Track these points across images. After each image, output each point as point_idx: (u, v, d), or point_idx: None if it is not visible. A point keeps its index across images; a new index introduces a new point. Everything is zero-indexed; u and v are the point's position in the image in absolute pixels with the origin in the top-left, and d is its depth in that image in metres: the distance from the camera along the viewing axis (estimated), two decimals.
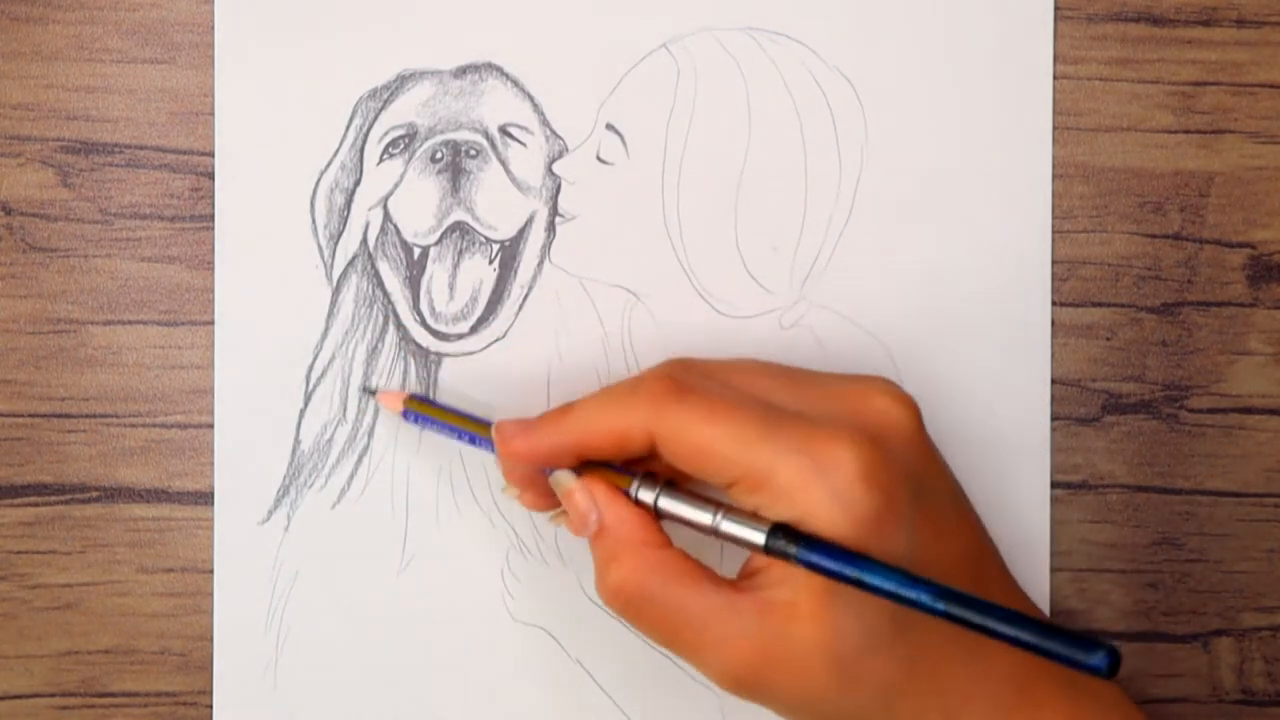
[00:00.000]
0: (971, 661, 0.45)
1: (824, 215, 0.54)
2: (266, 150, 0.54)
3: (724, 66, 0.54)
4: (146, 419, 0.54)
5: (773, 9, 0.54)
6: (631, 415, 0.46)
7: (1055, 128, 0.55)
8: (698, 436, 0.45)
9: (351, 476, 0.54)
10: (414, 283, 0.54)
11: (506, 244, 0.54)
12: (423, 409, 0.52)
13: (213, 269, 0.54)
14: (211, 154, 0.54)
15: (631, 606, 0.46)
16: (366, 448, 0.54)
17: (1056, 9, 0.55)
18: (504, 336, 0.54)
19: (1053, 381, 0.55)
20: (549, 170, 0.54)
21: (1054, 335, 0.55)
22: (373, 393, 0.54)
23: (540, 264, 0.54)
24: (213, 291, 0.54)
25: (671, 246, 0.54)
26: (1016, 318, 0.55)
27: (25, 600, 0.54)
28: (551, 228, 0.54)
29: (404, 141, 0.54)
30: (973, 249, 0.55)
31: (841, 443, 0.44)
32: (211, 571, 0.54)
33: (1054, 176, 0.55)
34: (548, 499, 0.49)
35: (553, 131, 0.54)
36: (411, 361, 0.54)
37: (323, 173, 0.54)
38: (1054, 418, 0.55)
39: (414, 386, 0.54)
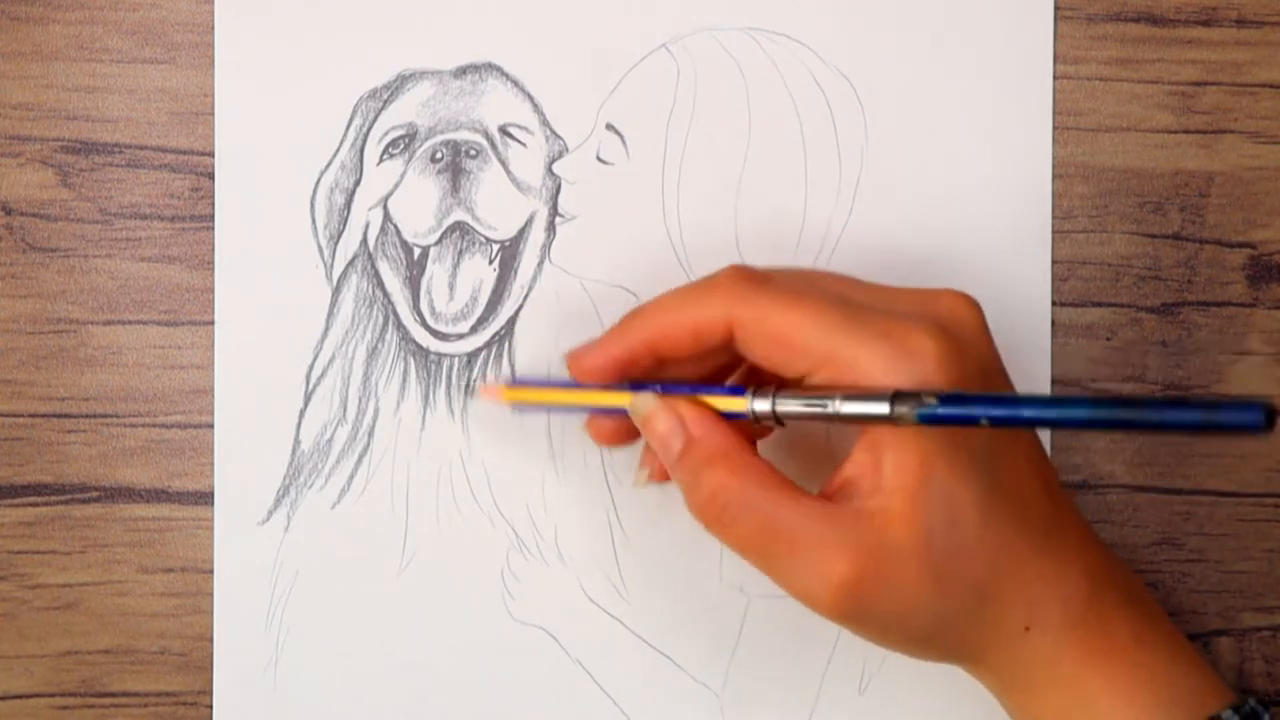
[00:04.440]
0: (1047, 562, 0.45)
1: (824, 215, 0.54)
2: (266, 150, 0.54)
3: (724, 66, 0.54)
4: (146, 419, 0.54)
5: (773, 9, 0.54)
6: (709, 306, 0.46)
7: (1055, 128, 0.55)
8: (779, 322, 0.45)
9: (351, 476, 0.54)
10: (414, 283, 0.54)
11: (506, 244, 0.54)
12: (523, 396, 0.52)
13: (213, 269, 0.54)
14: (211, 154, 0.54)
15: (726, 515, 0.45)
16: (366, 448, 0.54)
17: (1056, 9, 0.55)
18: (504, 336, 0.54)
19: (1053, 381, 0.55)
20: (549, 170, 0.54)
21: (1054, 335, 0.55)
22: (472, 393, 0.54)
23: (540, 264, 0.54)
24: (213, 291, 0.54)
25: (671, 246, 0.54)
26: (1016, 318, 0.55)
27: (25, 600, 0.54)
28: (551, 228, 0.54)
29: (404, 141, 0.54)
30: (973, 249, 0.55)
31: (922, 331, 0.44)
32: (211, 571, 0.54)
33: (1054, 176, 0.55)
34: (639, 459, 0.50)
35: (553, 131, 0.54)
36: (411, 361, 0.54)
37: (323, 173, 0.54)
38: None
39: (414, 387, 0.54)
